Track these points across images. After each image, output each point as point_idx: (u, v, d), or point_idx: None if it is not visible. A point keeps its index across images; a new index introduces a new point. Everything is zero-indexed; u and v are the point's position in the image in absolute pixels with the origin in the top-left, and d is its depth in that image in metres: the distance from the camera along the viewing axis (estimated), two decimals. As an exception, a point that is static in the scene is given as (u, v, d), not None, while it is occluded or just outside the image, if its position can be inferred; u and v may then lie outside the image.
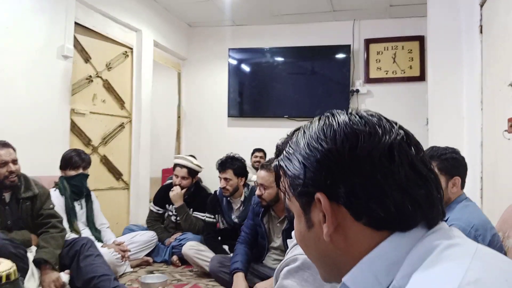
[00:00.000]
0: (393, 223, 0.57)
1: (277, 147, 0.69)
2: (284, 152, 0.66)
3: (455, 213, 1.73)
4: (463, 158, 1.84)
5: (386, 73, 5.07)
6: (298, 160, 0.62)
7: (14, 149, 2.57)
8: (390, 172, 0.56)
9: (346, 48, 5.14)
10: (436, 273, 0.51)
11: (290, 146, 0.65)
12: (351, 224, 0.58)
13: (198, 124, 5.72)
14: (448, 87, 3.37)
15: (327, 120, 0.62)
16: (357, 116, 0.61)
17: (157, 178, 5.59)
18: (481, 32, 3.03)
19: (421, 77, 4.82)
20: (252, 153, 5.07)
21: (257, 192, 2.64)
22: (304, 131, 0.64)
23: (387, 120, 0.62)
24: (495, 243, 1.63)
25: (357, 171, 0.57)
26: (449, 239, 0.56)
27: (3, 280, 1.98)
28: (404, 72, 5.02)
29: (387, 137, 0.58)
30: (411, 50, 5.00)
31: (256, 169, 4.19)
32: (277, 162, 0.67)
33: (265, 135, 5.14)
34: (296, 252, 1.01)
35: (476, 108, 3.03)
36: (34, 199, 2.67)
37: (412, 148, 0.59)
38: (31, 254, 2.55)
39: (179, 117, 5.80)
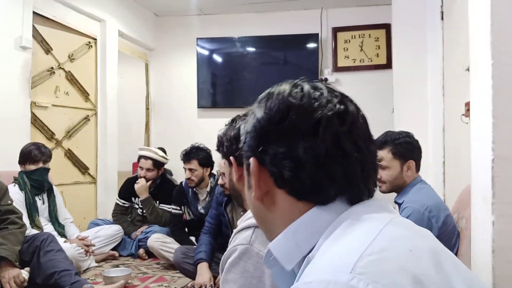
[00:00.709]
0: (310, 195, 0.59)
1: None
2: (245, 119, 0.69)
3: (410, 196, 1.75)
4: (416, 142, 1.85)
5: (354, 62, 5.08)
6: (246, 126, 0.66)
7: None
8: (311, 147, 0.58)
9: (314, 37, 5.13)
10: (343, 243, 0.52)
11: (248, 115, 0.68)
12: (277, 191, 0.62)
13: (167, 116, 5.62)
14: (412, 74, 3.39)
15: (272, 90, 0.66)
16: (299, 88, 0.63)
17: (127, 172, 5.48)
18: (442, 18, 3.05)
19: (388, 65, 4.83)
20: None
21: (220, 181, 2.60)
22: (259, 98, 0.67)
23: (332, 94, 0.63)
24: (448, 224, 1.65)
25: (281, 142, 0.60)
26: (366, 213, 0.57)
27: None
28: (371, 60, 5.04)
29: (318, 112, 0.59)
30: (377, 38, 5.02)
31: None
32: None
33: (236, 125, 5.08)
34: (236, 241, 1.00)
35: (438, 94, 3.06)
36: (-10, 195, 2.58)
37: (345, 125, 0.60)
38: (-12, 251, 2.47)
39: (147, 108, 5.70)
